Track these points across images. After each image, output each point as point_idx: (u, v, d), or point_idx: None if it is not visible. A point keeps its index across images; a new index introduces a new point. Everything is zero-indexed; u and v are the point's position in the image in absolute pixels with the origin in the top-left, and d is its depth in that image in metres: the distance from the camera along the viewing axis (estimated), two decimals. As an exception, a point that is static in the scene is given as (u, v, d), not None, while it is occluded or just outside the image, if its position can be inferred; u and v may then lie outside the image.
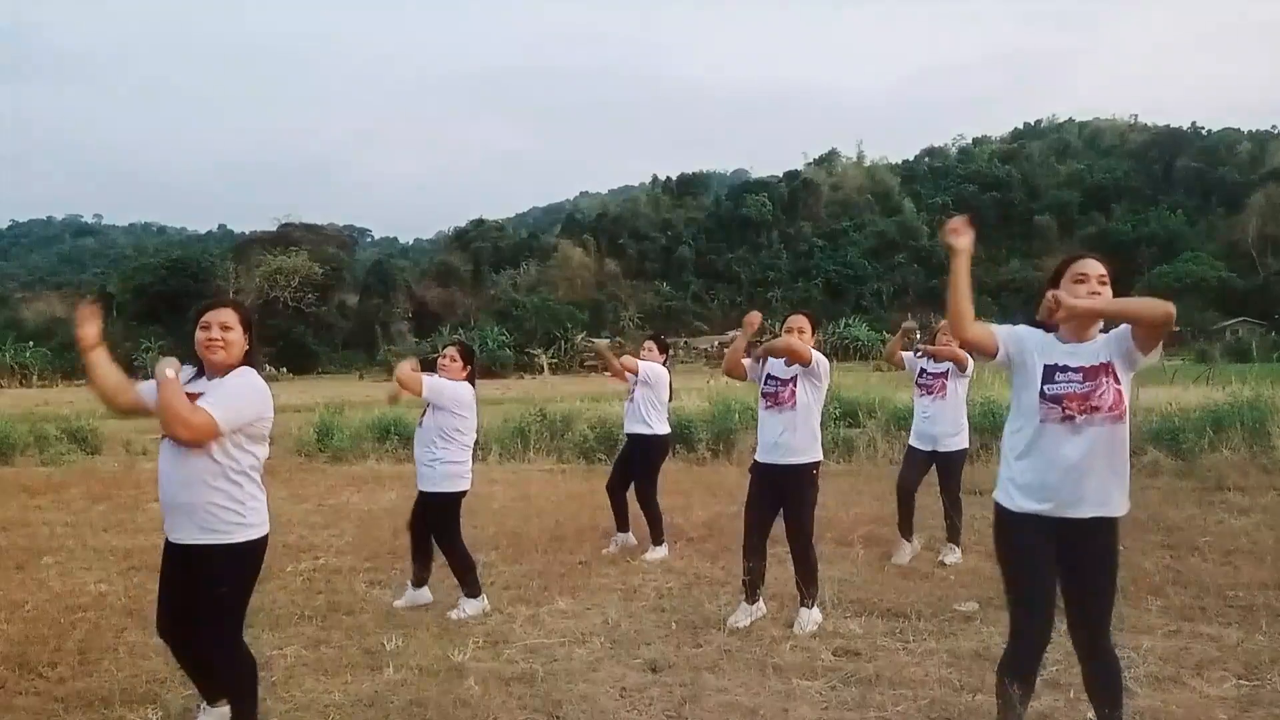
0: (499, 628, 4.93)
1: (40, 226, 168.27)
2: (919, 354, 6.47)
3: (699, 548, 6.78)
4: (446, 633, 4.84)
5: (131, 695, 3.95)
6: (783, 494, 4.93)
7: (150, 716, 3.76)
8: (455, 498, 5.39)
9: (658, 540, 6.71)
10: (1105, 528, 3.00)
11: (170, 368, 3.17)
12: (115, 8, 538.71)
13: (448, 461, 5.29)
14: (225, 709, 3.42)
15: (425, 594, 5.45)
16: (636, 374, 6.81)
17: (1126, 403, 3.00)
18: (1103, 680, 3.06)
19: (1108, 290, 3.03)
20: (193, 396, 3.19)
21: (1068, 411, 2.98)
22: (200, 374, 3.36)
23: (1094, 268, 3.06)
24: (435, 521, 5.35)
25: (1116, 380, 2.98)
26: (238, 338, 3.33)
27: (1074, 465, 2.96)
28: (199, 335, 3.31)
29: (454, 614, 5.13)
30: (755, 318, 5.01)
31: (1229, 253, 78.36)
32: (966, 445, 6.49)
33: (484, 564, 6.44)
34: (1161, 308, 2.87)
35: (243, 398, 3.26)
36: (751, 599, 4.98)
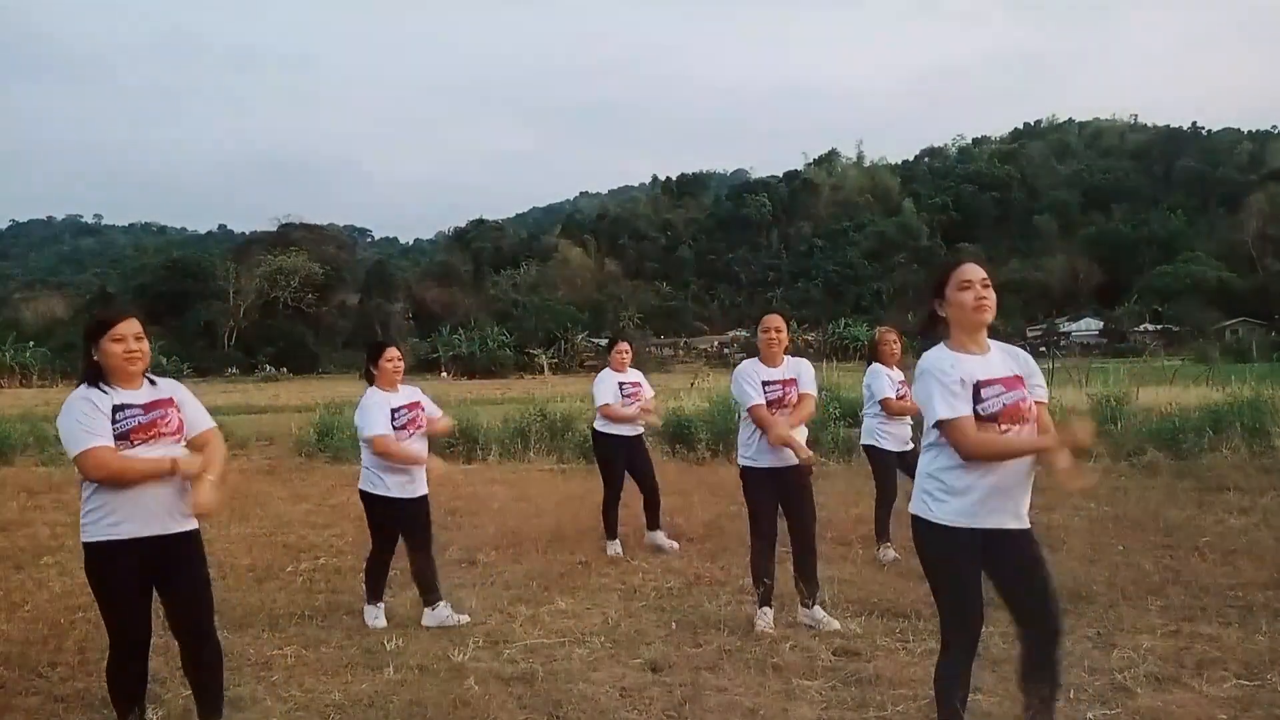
0: (499, 628, 4.93)
1: (40, 226, 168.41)
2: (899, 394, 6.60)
3: (699, 547, 6.78)
4: (446, 633, 4.84)
5: (132, 695, 3.94)
6: (788, 493, 4.93)
7: (150, 716, 3.76)
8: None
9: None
10: (1027, 538, 3.01)
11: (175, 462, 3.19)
12: (115, 8, 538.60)
13: None
14: None
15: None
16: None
17: None
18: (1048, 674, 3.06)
19: (992, 295, 2.99)
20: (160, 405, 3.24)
21: (1004, 428, 2.94)
22: (94, 386, 3.16)
23: (977, 273, 3.01)
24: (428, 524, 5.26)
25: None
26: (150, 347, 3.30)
27: (1002, 482, 2.93)
28: (115, 348, 3.14)
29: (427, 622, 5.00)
30: None
31: (1229, 253, 78.27)
32: None
33: (484, 564, 6.46)
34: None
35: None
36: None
